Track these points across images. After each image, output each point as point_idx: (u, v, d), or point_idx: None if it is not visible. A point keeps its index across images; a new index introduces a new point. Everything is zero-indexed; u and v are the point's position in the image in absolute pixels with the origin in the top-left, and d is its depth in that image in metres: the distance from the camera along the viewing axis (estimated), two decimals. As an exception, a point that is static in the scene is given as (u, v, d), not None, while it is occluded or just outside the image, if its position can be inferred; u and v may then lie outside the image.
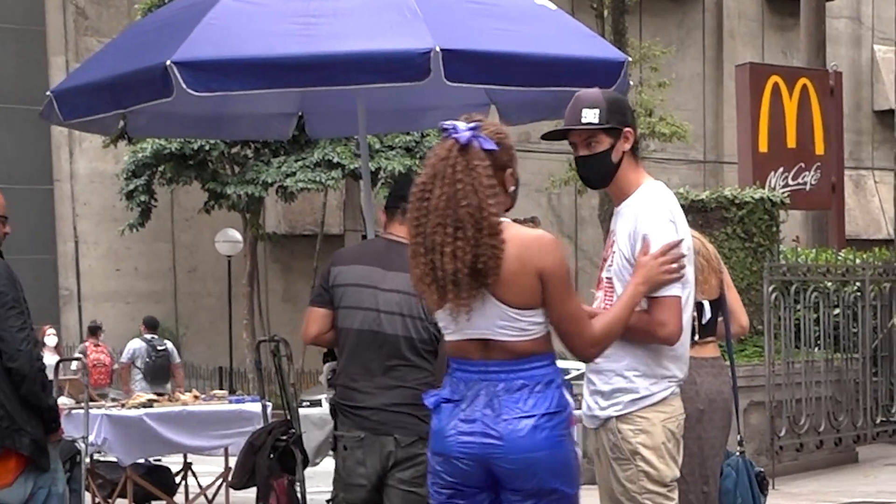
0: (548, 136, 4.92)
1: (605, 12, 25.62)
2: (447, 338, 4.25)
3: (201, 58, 5.67)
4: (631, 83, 7.11)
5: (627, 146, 4.69)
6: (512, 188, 4.23)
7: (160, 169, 25.54)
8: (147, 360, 16.56)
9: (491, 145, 4.11)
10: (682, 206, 13.32)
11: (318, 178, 24.66)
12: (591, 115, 4.66)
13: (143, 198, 25.68)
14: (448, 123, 4.15)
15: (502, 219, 4.12)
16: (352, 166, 24.50)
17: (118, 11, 29.35)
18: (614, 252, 4.66)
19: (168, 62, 5.58)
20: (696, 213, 12.94)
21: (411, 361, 5.35)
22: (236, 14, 5.98)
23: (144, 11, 24.85)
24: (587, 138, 4.69)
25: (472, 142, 4.09)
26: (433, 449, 4.23)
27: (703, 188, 29.31)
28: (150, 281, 30.20)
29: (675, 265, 4.51)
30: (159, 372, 16.58)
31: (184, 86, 5.58)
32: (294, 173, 24.73)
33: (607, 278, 4.68)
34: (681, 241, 4.56)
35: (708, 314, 6.00)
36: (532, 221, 6.32)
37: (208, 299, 30.50)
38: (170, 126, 7.85)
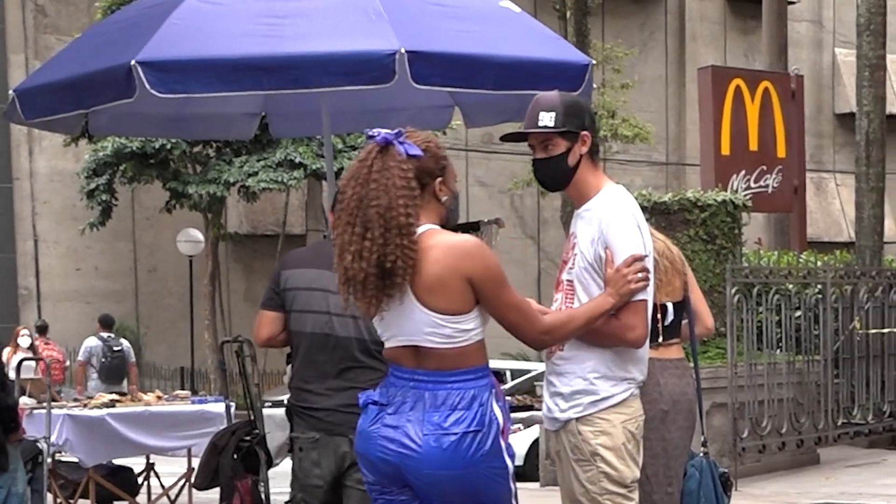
0: (507, 138, 4.96)
1: (568, 14, 25.69)
2: (385, 344, 4.26)
3: (165, 58, 5.66)
4: (594, 85, 7.16)
5: (584, 149, 4.72)
6: (445, 198, 4.22)
7: (121, 168, 25.46)
8: (103, 359, 16.50)
9: (415, 150, 4.12)
10: (644, 207, 13.42)
11: (279, 178, 24.65)
12: (547, 119, 4.70)
13: (103, 197, 25.59)
14: (373, 130, 4.17)
15: (431, 225, 4.13)
16: (314, 166, 24.50)
17: (77, 9, 29.23)
18: (575, 255, 4.69)
19: (132, 62, 5.57)
20: (659, 215, 12.98)
21: (363, 363, 5.42)
22: (200, 14, 5.97)
23: (105, 10, 24.75)
24: (543, 141, 4.72)
25: (393, 145, 4.11)
26: (356, 448, 4.28)
27: (666, 190, 29.43)
28: (110, 280, 30.10)
29: (640, 275, 4.54)
30: (115, 371, 16.52)
31: (147, 87, 5.57)
32: (256, 173, 24.71)
33: (567, 281, 4.72)
34: (646, 255, 4.61)
35: (671, 316, 6.01)
36: (496, 223, 6.34)
37: (169, 299, 30.41)
38: (131, 125, 7.86)
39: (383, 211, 4.02)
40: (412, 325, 4.09)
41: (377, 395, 4.22)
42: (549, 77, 6.22)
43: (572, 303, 4.65)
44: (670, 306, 6.01)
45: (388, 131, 4.13)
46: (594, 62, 6.77)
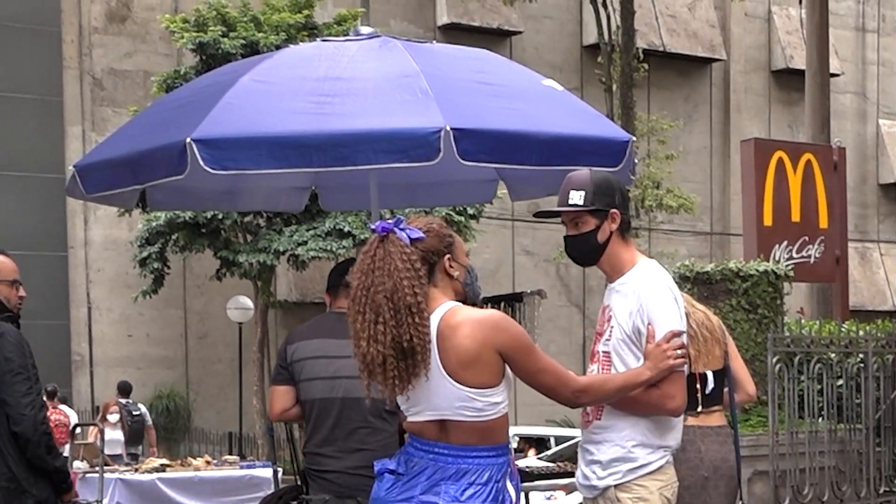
0: (540, 216, 5.10)
1: (614, 87, 25.82)
2: (408, 418, 4.35)
3: (218, 136, 5.78)
4: (636, 161, 7.24)
5: (614, 226, 4.84)
6: (456, 273, 4.34)
7: (173, 237, 25.65)
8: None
9: (417, 234, 4.27)
10: (687, 277, 13.41)
11: (329, 247, 24.76)
12: (576, 197, 4.83)
13: (156, 265, 25.79)
14: (374, 224, 4.34)
15: (452, 303, 4.25)
16: (362, 235, 24.60)
17: (134, 83, 29.64)
18: (612, 327, 4.79)
19: (188, 139, 5.70)
20: (702, 284, 13.05)
21: (371, 424, 5.60)
22: (253, 92, 6.10)
23: (160, 84, 25.10)
24: (574, 219, 4.86)
25: (393, 232, 4.25)
26: None
27: (710, 259, 29.41)
28: (161, 347, 30.27)
29: (679, 351, 4.64)
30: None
31: (201, 163, 5.69)
32: (305, 242, 24.84)
33: (604, 352, 4.82)
34: (683, 332, 4.70)
35: (711, 384, 6.09)
36: (538, 294, 6.44)
37: (219, 365, 30.54)
38: (186, 199, 8.00)
39: (390, 294, 4.13)
40: (442, 400, 4.18)
41: (393, 464, 4.30)
42: (591, 153, 6.32)
43: (608, 373, 4.75)
44: (710, 375, 6.09)
45: (388, 221, 4.28)
46: (634, 139, 6.87)
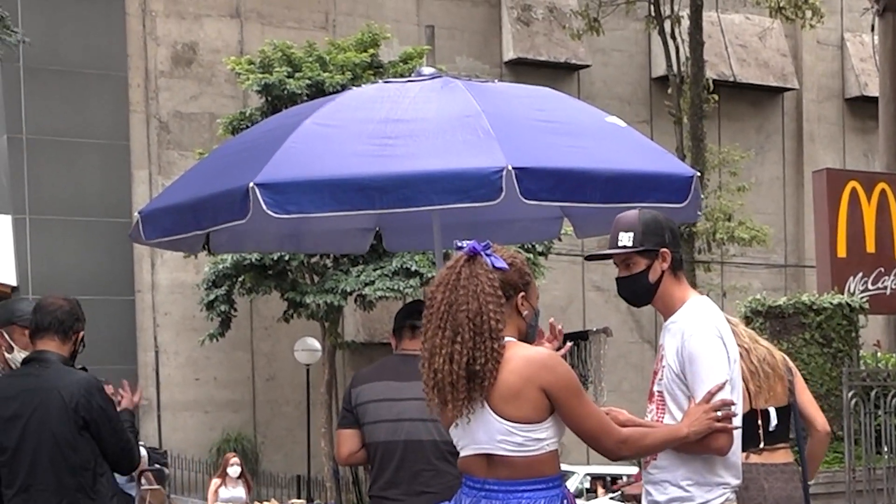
0: (591, 259, 5.17)
1: (684, 119, 25.81)
2: (460, 454, 4.41)
3: (281, 180, 5.87)
4: (703, 196, 7.25)
5: (665, 265, 4.88)
6: (525, 313, 4.41)
7: (240, 279, 25.85)
8: None
9: (501, 263, 4.34)
10: (759, 312, 13.34)
11: (396, 287, 24.83)
12: (625, 239, 4.89)
13: (222, 307, 25.99)
14: (462, 242, 4.39)
15: (509, 338, 4.30)
16: (429, 274, 24.68)
17: (200, 125, 29.98)
18: (664, 367, 4.84)
19: (251, 184, 5.79)
20: (774, 318, 13.03)
21: (435, 466, 5.67)
22: (316, 136, 6.18)
23: (225, 126, 25.38)
24: (624, 260, 4.92)
25: (480, 255, 4.32)
26: None
27: (785, 292, 29.23)
28: (228, 390, 30.48)
29: (720, 414, 4.68)
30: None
31: (264, 207, 5.77)
32: (373, 282, 24.93)
33: (658, 392, 4.87)
34: (726, 382, 4.72)
35: (774, 421, 6.10)
36: (604, 332, 6.51)
37: (286, 407, 30.70)
38: (250, 242, 8.10)
39: (473, 315, 4.21)
40: (485, 433, 4.24)
41: None
42: (656, 189, 6.35)
43: (664, 413, 4.79)
44: (773, 412, 6.11)
45: (476, 242, 4.35)
46: (700, 173, 6.90)
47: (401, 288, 24.91)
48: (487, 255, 4.34)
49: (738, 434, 4.77)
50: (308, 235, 7.88)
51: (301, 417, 29.02)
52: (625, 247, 4.89)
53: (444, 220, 7.00)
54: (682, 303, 4.90)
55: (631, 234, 4.88)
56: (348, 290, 25.21)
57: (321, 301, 25.34)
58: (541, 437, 4.23)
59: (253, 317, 30.06)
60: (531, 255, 24.85)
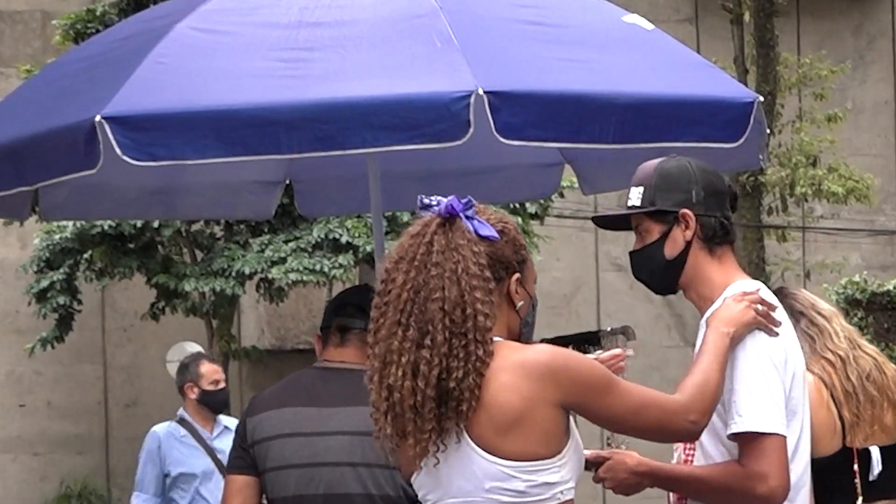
0: (599, 222, 5.22)
1: (746, 15, 25.81)
2: None
3: (143, 111, 5.88)
4: (771, 130, 7.30)
5: (688, 234, 4.92)
6: (520, 303, 4.42)
7: (86, 256, 25.74)
8: None
9: (489, 230, 4.34)
10: (859, 301, 13.43)
11: (318, 267, 24.69)
12: (635, 196, 4.95)
13: (60, 299, 25.83)
14: (431, 197, 4.38)
15: (497, 338, 4.29)
16: (369, 247, 24.57)
17: (28, 29, 29.86)
18: None
19: (98, 118, 5.78)
20: (880, 311, 13.16)
21: None
22: (194, 47, 6.22)
23: (65, 33, 25.23)
24: (637, 226, 4.97)
25: (460, 217, 4.31)
26: None
27: (896, 272, 29.32)
28: (68, 421, 30.41)
29: (760, 307, 4.75)
30: None
31: (118, 151, 5.76)
32: (284, 259, 24.79)
33: None
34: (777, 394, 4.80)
35: (878, 466, 6.16)
36: (623, 333, 6.60)
37: (158, 448, 30.66)
38: (99, 205, 8.06)
39: (451, 307, 4.18)
40: (468, 479, 4.20)
41: None
42: (697, 122, 6.40)
43: (692, 450, 4.87)
44: (876, 452, 6.18)
45: (455, 198, 4.35)
46: (764, 99, 6.94)
47: (324, 268, 24.76)
48: (469, 217, 4.34)
49: (787, 473, 4.83)
50: (186, 193, 7.92)
51: (178, 462, 28.99)
52: (633, 206, 4.96)
53: (385, 170, 7.04)
54: (723, 289, 4.96)
55: (641, 190, 4.94)
56: (247, 271, 25.09)
57: (207, 288, 25.28)
58: (552, 481, 4.21)
59: (105, 312, 30.01)
60: (520, 220, 24.86)
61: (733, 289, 4.93)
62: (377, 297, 4.34)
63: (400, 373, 4.20)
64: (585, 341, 6.47)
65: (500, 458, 4.19)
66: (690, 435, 4.56)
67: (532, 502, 4.22)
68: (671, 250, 4.95)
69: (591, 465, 4.85)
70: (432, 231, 4.31)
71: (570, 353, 4.39)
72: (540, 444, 4.20)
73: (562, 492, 4.24)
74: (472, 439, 4.19)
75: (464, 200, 4.36)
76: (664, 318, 32.48)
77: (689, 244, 4.94)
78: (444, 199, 4.35)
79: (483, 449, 4.19)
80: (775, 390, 4.75)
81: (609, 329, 6.71)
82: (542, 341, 5.05)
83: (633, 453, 4.76)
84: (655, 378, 31.36)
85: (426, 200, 4.39)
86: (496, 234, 4.36)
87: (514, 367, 4.23)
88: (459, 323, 4.18)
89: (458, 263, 4.23)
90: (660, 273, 5.00)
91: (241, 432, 5.93)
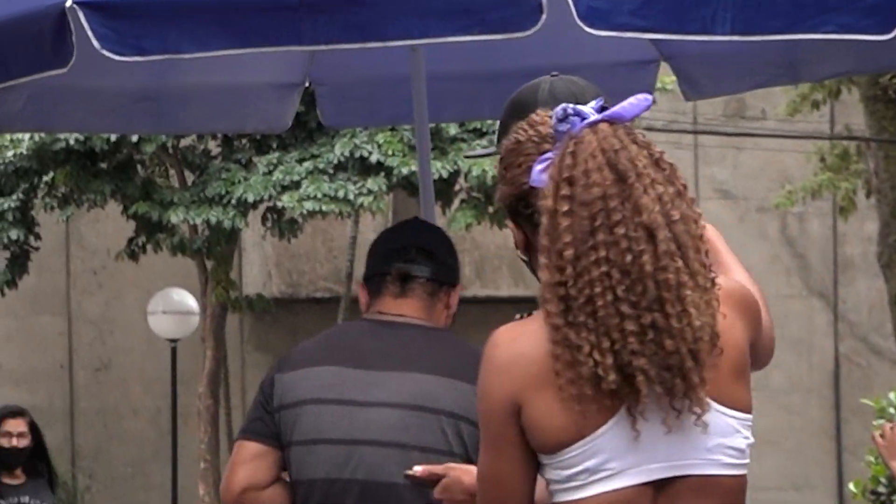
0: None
1: None
2: (594, 487, 4.18)
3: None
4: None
5: None
6: None
7: (46, 179, 25.82)
8: None
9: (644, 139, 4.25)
10: None
11: (341, 193, 24.75)
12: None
13: (13, 233, 25.96)
14: (565, 107, 4.21)
15: None
16: (404, 169, 24.51)
17: None
18: None
19: (68, 2, 5.78)
20: None
21: None
22: None
23: None
24: None
25: (624, 125, 4.21)
26: None
27: None
28: (24, 388, 30.60)
29: None
30: None
31: (96, 44, 5.78)
32: (297, 184, 24.83)
33: None
34: None
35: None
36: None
37: (132, 421, 30.86)
38: (66, 114, 8.12)
39: (694, 231, 4.14)
40: (686, 437, 4.16)
41: None
42: (833, 8, 6.36)
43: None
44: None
45: (600, 102, 4.27)
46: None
47: (349, 195, 24.77)
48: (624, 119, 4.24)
49: None
50: (180, 100, 7.96)
51: (160, 440, 29.18)
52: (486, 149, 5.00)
53: (430, 71, 7.06)
54: None
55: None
56: (250, 199, 25.14)
57: (199, 220, 25.34)
58: (751, 441, 4.25)
59: (70, 251, 30.15)
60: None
61: None
62: (587, 225, 4.10)
63: (680, 309, 4.09)
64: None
65: (730, 408, 4.18)
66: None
67: (744, 465, 4.25)
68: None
69: (427, 484, 4.90)
70: (627, 142, 4.19)
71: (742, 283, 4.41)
72: (749, 390, 4.26)
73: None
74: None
75: (599, 101, 4.30)
76: (784, 259, 32.55)
77: None
78: (588, 110, 4.22)
79: (719, 401, 4.16)
80: None
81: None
82: None
83: (471, 469, 4.73)
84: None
85: (569, 109, 4.22)
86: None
87: (729, 299, 4.23)
88: (700, 252, 4.16)
89: (673, 176, 4.20)
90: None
91: (266, 391, 5.84)
